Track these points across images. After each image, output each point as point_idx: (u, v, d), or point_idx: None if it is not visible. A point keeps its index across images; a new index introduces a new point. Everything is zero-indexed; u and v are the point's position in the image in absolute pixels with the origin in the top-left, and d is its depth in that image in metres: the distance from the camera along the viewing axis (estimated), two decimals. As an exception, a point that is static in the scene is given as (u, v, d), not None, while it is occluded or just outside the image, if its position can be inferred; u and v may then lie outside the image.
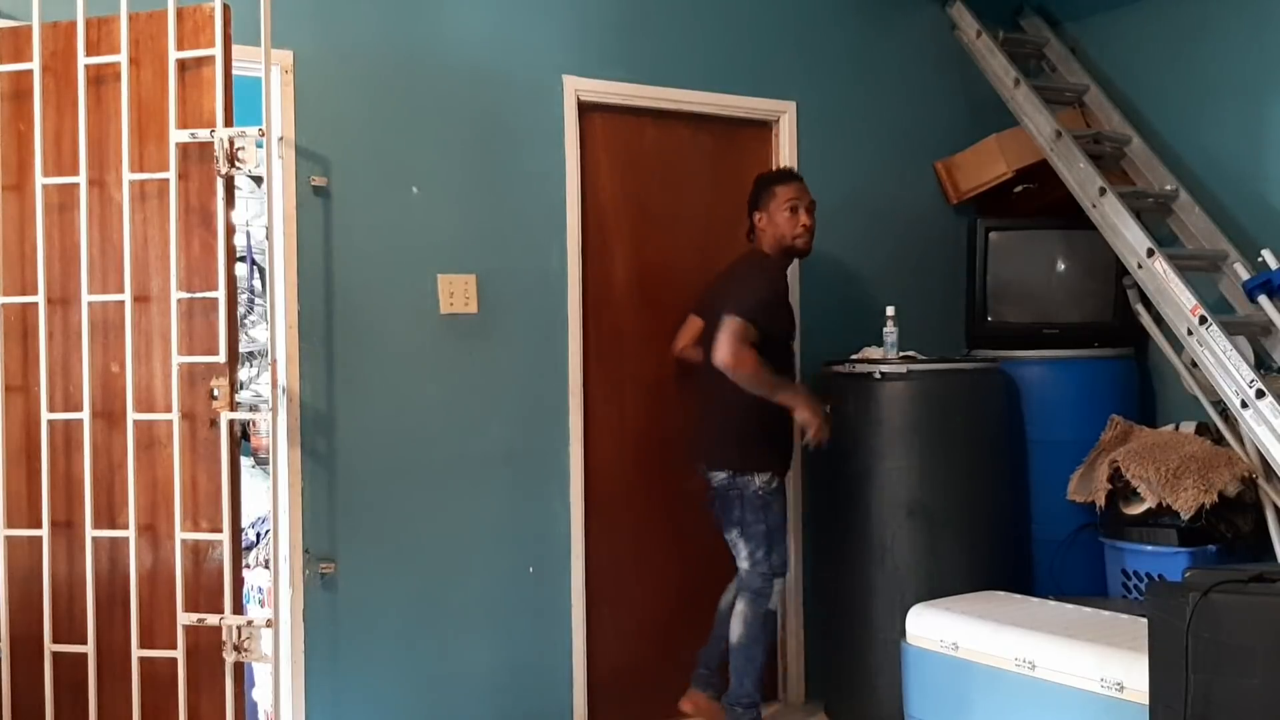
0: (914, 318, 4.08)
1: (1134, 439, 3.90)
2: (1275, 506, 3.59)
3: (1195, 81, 4.15)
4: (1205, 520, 3.57)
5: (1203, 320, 3.48)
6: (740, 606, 3.54)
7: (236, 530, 2.81)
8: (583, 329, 3.77)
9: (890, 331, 3.88)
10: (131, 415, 2.81)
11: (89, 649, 2.81)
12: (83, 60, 2.82)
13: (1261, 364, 3.64)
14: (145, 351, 2.84)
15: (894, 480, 3.74)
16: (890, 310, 3.90)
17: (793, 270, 3.84)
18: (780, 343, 3.57)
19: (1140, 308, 4.11)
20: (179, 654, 2.78)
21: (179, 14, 2.81)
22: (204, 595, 2.82)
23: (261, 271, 4.39)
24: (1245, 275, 3.77)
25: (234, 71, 2.86)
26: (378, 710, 3.43)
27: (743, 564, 3.54)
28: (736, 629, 3.53)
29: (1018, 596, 3.64)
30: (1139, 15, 4.32)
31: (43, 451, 2.83)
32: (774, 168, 3.93)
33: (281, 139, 3.27)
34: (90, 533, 2.81)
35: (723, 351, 3.35)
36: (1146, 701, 2.59)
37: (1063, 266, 4.31)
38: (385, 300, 3.46)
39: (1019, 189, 4.39)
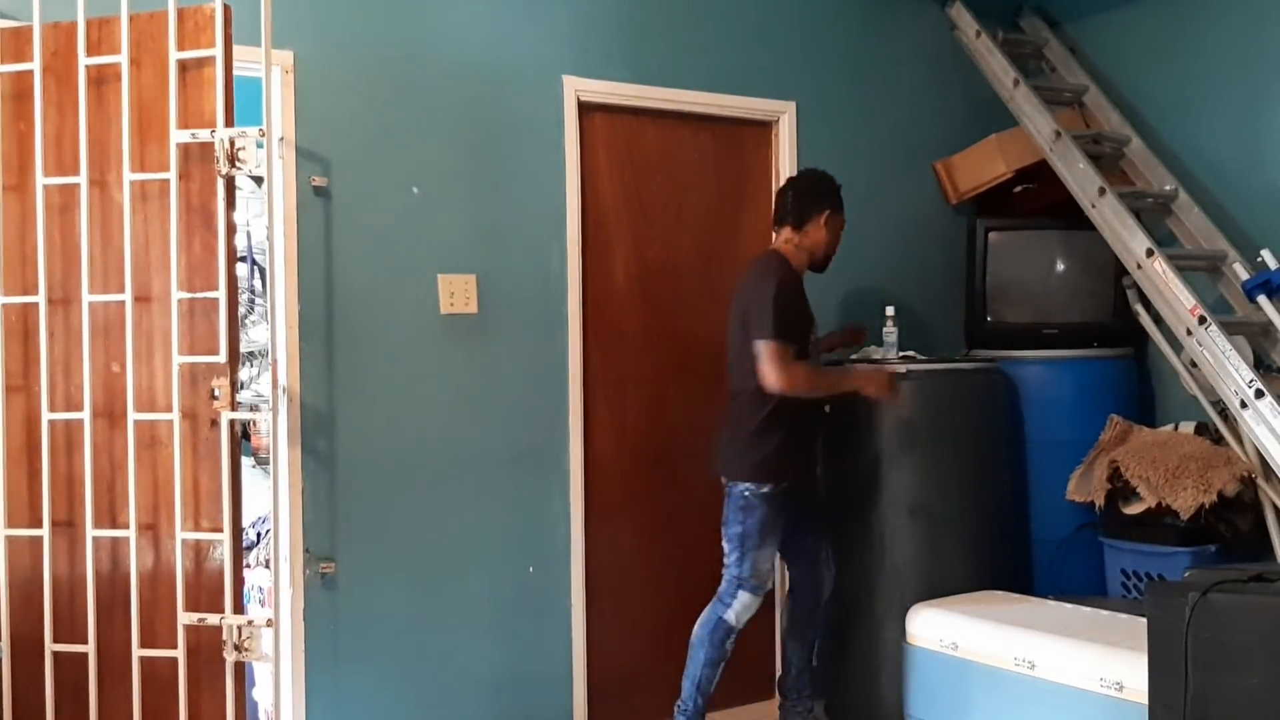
0: (914, 318, 4.08)
1: (1133, 439, 3.90)
2: (1275, 506, 3.60)
3: (1194, 81, 4.16)
4: (1205, 520, 3.57)
5: (1202, 320, 3.48)
6: (708, 607, 3.51)
7: (237, 530, 2.81)
8: (583, 329, 3.77)
9: (890, 331, 3.89)
10: (132, 415, 2.81)
11: (89, 648, 2.81)
12: (83, 60, 2.82)
13: (1261, 364, 3.64)
14: (146, 351, 2.84)
15: (894, 480, 3.74)
16: (890, 310, 3.91)
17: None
18: (802, 337, 3.53)
19: (1140, 308, 4.11)
20: (179, 654, 2.78)
21: (179, 14, 2.81)
22: (204, 595, 2.82)
23: (262, 271, 4.39)
24: (1244, 275, 3.77)
25: (234, 72, 2.86)
26: (378, 710, 3.43)
27: (724, 567, 3.50)
28: (696, 627, 3.51)
29: (1018, 596, 3.65)
30: (1138, 16, 4.32)
31: (43, 451, 2.83)
32: (822, 173, 3.67)
33: (282, 139, 3.27)
34: (91, 532, 2.81)
35: (772, 378, 3.34)
36: (1146, 701, 2.59)
37: (1062, 266, 4.32)
38: (385, 300, 3.47)
39: (1019, 189, 4.39)
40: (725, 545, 3.49)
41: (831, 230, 3.57)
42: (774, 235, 3.65)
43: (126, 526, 2.81)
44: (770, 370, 3.34)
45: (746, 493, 3.43)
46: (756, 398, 3.40)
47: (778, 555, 3.61)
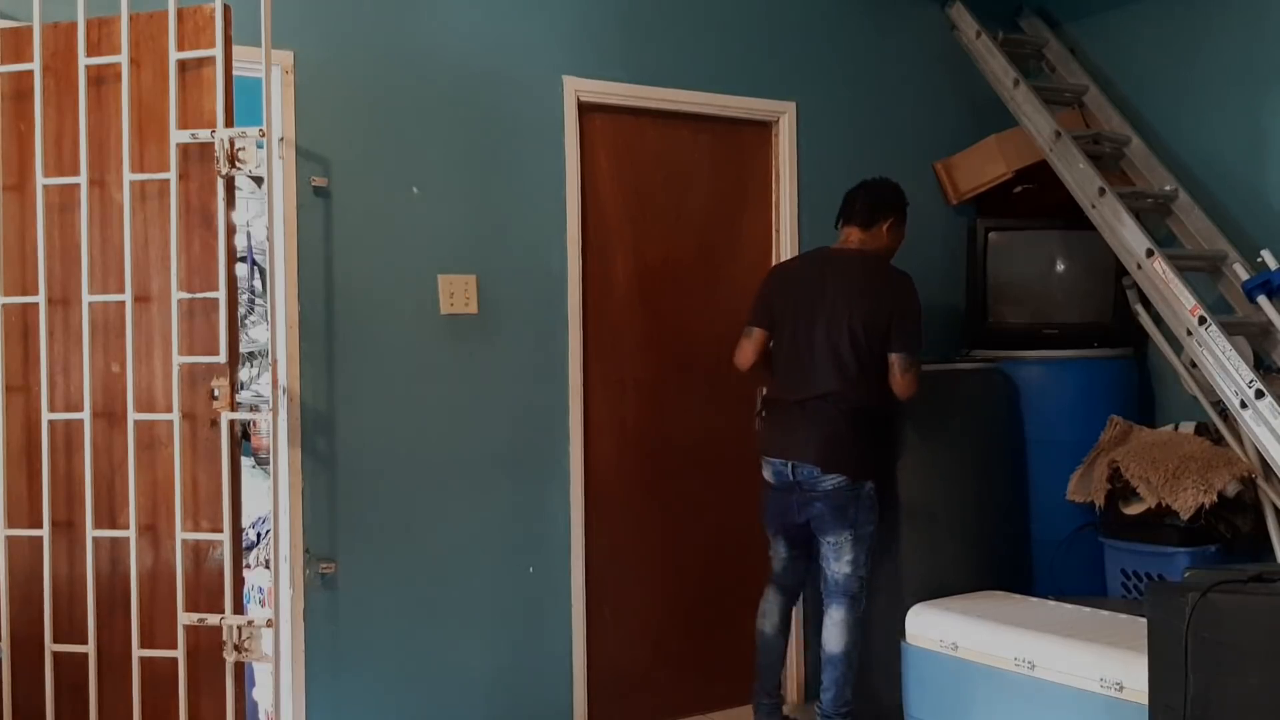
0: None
1: (1133, 439, 3.90)
2: (1275, 506, 3.60)
3: (1195, 82, 4.16)
4: (1205, 520, 3.57)
5: (1202, 321, 3.48)
6: (840, 615, 3.49)
7: (237, 530, 2.81)
8: (583, 329, 3.77)
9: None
10: (132, 415, 2.81)
11: (89, 649, 2.81)
12: (83, 61, 2.82)
13: (1261, 364, 3.64)
14: (146, 352, 2.83)
15: (894, 480, 3.74)
16: (890, 310, 3.90)
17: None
18: None
19: (1140, 308, 4.11)
20: (179, 654, 2.78)
21: (179, 14, 2.80)
22: (204, 595, 2.82)
23: (262, 271, 4.40)
24: (1244, 276, 3.77)
25: (234, 72, 2.85)
26: (378, 710, 3.44)
27: (843, 568, 3.47)
28: (840, 638, 3.48)
29: (1017, 596, 3.65)
30: (1138, 16, 4.32)
31: (43, 451, 2.83)
32: (899, 184, 3.72)
33: (282, 139, 3.27)
34: (91, 533, 2.81)
35: (910, 390, 3.48)
36: (1146, 701, 2.59)
37: (1062, 267, 4.32)
38: (385, 300, 3.47)
39: (1019, 189, 4.39)
40: (852, 548, 3.46)
41: (893, 238, 3.64)
42: (839, 234, 3.64)
43: (126, 527, 2.81)
44: (913, 383, 3.47)
45: (873, 491, 3.48)
46: (876, 398, 3.47)
47: (788, 549, 3.63)
